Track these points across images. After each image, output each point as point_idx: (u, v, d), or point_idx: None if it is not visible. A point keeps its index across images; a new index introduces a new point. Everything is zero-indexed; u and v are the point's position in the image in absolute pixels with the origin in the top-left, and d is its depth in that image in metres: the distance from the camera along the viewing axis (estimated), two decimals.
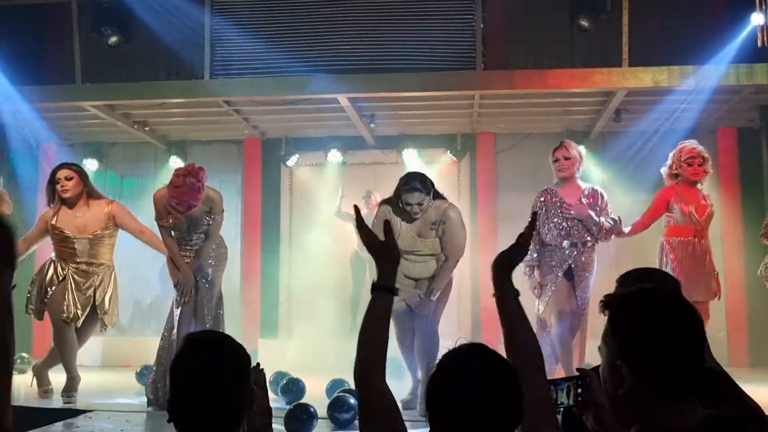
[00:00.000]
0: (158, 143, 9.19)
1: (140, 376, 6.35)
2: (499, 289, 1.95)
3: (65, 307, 5.52)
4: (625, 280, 2.29)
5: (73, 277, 5.59)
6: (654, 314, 1.60)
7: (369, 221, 9.77)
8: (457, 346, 1.67)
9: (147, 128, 8.80)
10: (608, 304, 1.70)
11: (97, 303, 5.60)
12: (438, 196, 5.24)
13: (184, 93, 7.65)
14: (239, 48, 7.49)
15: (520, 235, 2.03)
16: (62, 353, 5.59)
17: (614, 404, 1.67)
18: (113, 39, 7.50)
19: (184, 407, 1.75)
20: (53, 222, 5.61)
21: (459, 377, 1.58)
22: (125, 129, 8.54)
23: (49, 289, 5.58)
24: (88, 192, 5.71)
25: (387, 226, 2.04)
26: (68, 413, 5.01)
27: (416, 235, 5.16)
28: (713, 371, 2.02)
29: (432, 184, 5.18)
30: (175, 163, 8.69)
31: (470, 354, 1.63)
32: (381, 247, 1.99)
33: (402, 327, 5.29)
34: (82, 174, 5.70)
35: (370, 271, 8.71)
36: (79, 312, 5.53)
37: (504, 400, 1.56)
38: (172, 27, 7.45)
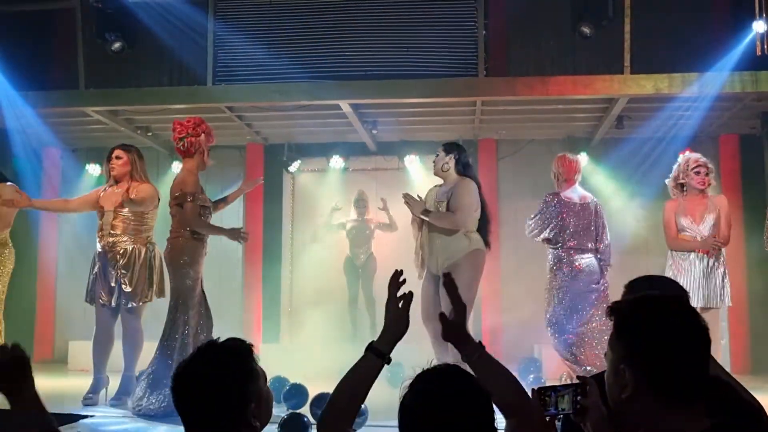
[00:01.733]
0: (161, 148, 9.20)
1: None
2: (464, 350, 2.00)
3: (97, 291, 5.66)
4: (632, 286, 2.30)
5: (101, 258, 5.70)
6: (657, 319, 1.62)
7: (365, 228, 9.58)
8: (431, 366, 1.68)
9: (150, 134, 8.81)
10: (614, 309, 1.71)
11: (120, 278, 5.62)
12: (466, 173, 5.48)
13: (186, 99, 7.68)
14: (242, 54, 7.51)
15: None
16: (94, 346, 5.71)
17: (618, 410, 1.67)
18: (117, 45, 7.53)
19: (189, 410, 1.78)
20: (99, 197, 5.83)
21: (430, 398, 1.57)
22: (128, 134, 8.55)
23: (92, 274, 5.75)
24: (132, 174, 5.82)
25: (395, 281, 2.06)
26: (68, 417, 5.00)
27: (435, 198, 5.50)
28: (718, 379, 2.02)
29: (458, 151, 5.49)
30: (178, 168, 8.68)
31: (442, 375, 1.63)
32: (397, 315, 2.02)
33: (426, 296, 5.25)
34: (132, 156, 5.86)
35: (361, 277, 8.68)
36: (105, 292, 5.63)
37: (473, 421, 1.54)
38: (176, 33, 7.49)
